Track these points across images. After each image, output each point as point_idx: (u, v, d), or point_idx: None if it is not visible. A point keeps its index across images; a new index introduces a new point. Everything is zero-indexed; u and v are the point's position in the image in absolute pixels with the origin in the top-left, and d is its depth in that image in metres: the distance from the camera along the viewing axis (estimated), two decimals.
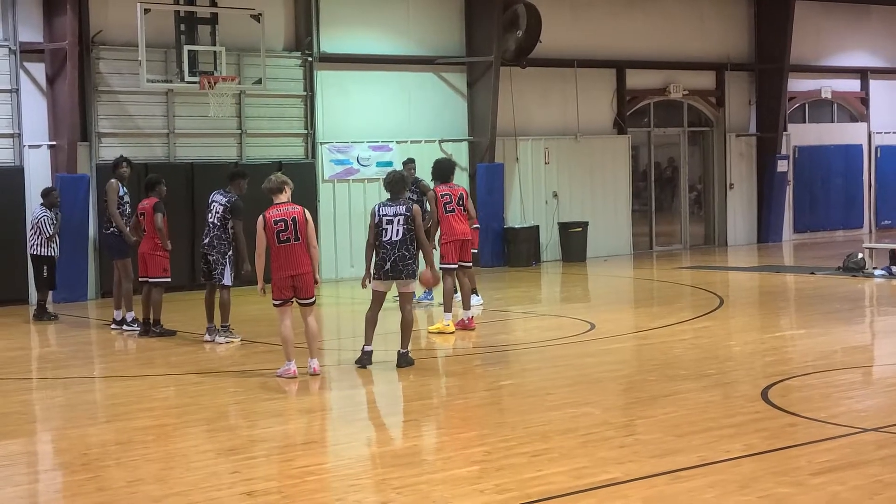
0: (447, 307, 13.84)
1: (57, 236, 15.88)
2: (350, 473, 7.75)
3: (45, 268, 15.87)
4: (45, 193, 16.01)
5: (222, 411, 9.84)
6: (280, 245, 10.92)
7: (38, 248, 15.81)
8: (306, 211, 11.18)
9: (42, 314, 15.84)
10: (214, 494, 7.21)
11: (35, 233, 15.83)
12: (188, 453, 8.39)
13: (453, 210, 14.01)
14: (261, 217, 11.07)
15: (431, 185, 14.93)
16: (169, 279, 14.09)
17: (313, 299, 11.19)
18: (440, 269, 14.03)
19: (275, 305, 11.12)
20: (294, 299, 11.09)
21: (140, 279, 14.09)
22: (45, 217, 15.72)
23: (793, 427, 8.65)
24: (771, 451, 7.84)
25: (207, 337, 13.46)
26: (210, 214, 13.41)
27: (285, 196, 11.15)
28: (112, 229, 14.73)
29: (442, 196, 14.05)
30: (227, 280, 13.35)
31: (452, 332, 13.64)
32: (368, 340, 11.51)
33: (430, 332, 13.81)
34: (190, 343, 13.59)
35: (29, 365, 13.12)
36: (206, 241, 13.42)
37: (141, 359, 12.88)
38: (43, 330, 15.31)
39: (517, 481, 7.25)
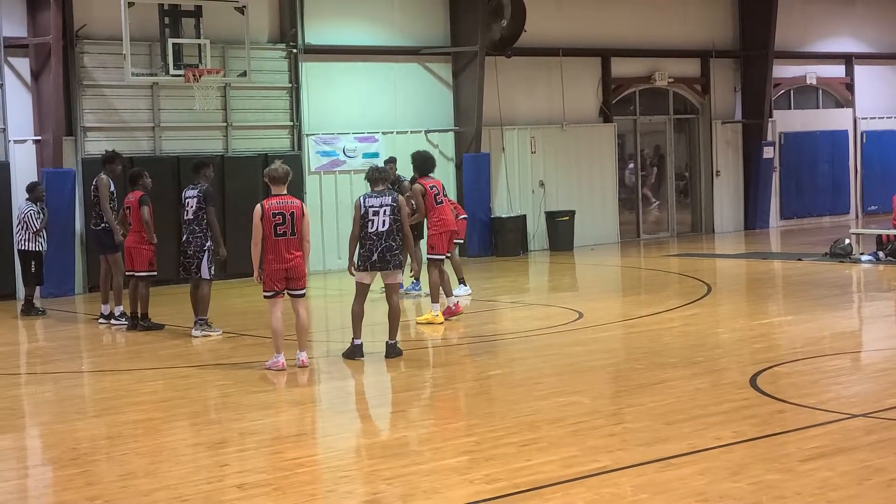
0: (434, 297, 13.83)
1: (44, 231, 15.83)
2: (340, 465, 7.75)
3: (33, 263, 15.82)
4: (31, 188, 15.96)
5: (211, 404, 9.83)
6: (276, 238, 10.87)
7: (26, 243, 15.76)
8: (305, 205, 11.16)
9: (29, 309, 15.79)
10: (205, 487, 7.20)
11: (22, 228, 15.78)
12: (178, 447, 8.38)
13: (442, 202, 14.02)
14: (258, 206, 10.97)
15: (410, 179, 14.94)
16: (155, 273, 14.07)
17: (305, 291, 11.19)
18: (428, 259, 14.06)
19: (265, 297, 11.10)
20: (286, 291, 11.08)
21: (126, 273, 14.08)
22: (32, 211, 15.68)
23: (782, 413, 8.68)
24: (760, 438, 7.86)
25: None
26: (185, 212, 13.43)
27: (286, 187, 11.07)
28: (103, 224, 14.68)
29: (431, 188, 14.03)
30: (205, 273, 13.30)
31: (441, 323, 13.63)
32: (357, 334, 11.50)
33: (418, 323, 13.81)
34: (178, 337, 13.56)
35: (17, 360, 13.08)
36: (184, 238, 13.44)
37: (129, 353, 12.85)
38: (31, 325, 15.27)
39: (506, 471, 7.26)
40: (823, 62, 27.72)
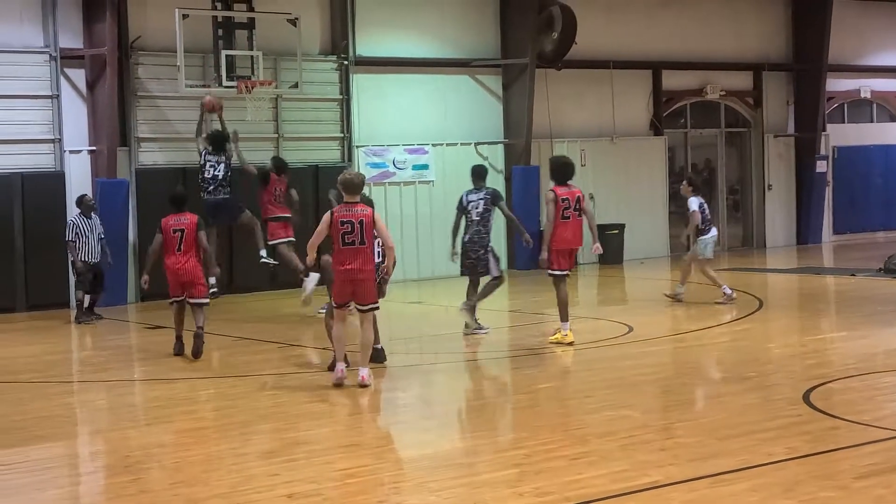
0: (563, 316, 12.90)
1: (78, 241, 16.07)
2: (390, 476, 7.75)
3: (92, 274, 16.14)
4: (78, 201, 16.38)
5: (262, 414, 9.87)
6: (344, 247, 10.54)
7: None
8: (376, 213, 10.70)
9: (88, 315, 16.07)
10: (255, 497, 7.23)
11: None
12: (228, 455, 8.43)
13: (569, 217, 12.84)
14: (328, 214, 10.63)
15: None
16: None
17: (373, 305, 10.75)
18: (550, 274, 12.96)
19: (332, 307, 10.90)
20: (355, 306, 10.77)
21: (175, 299, 12.80)
22: (70, 223, 16.14)
23: (835, 430, 8.57)
24: (814, 455, 7.78)
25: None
26: (469, 214, 13.57)
27: (359, 196, 10.69)
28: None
29: (562, 200, 12.80)
30: (494, 271, 13.60)
31: (571, 343, 12.70)
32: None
33: (549, 342, 12.87)
34: (228, 346, 13.64)
35: (70, 368, 13.24)
36: (467, 237, 13.57)
37: (181, 362, 12.92)
38: (84, 333, 15.43)
39: (557, 484, 7.23)
40: (878, 76, 27.45)
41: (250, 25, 18.39)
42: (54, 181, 17.78)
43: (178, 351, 12.82)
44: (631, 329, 13.96)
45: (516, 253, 21.67)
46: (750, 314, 15.08)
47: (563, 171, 12.96)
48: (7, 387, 11.51)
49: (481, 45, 21.90)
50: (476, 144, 21.76)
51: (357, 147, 20.44)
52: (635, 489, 7.08)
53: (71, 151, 18.06)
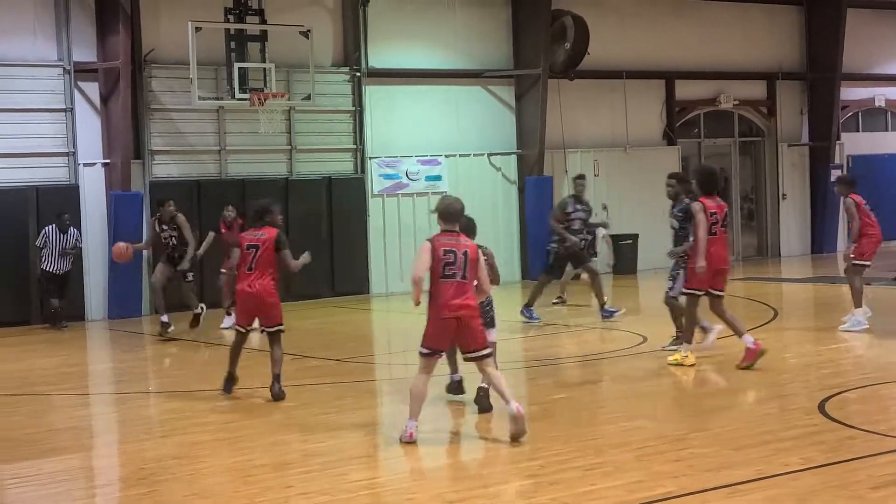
0: (687, 338, 12.06)
1: (44, 250, 16.89)
2: (404, 487, 7.75)
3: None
4: (56, 216, 16.99)
5: (276, 425, 9.87)
6: (444, 280, 8.88)
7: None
8: (480, 247, 9.24)
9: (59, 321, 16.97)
10: None
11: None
12: (243, 467, 8.42)
13: (716, 233, 11.71)
14: (428, 242, 9.02)
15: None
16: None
17: (486, 351, 9.01)
18: (683, 292, 12.13)
19: (421, 354, 8.96)
20: (464, 355, 9.15)
21: (239, 328, 11.27)
22: (43, 231, 16.90)
23: (851, 440, 8.53)
24: (829, 465, 7.74)
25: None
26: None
27: (458, 224, 9.16)
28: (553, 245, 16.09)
29: (711, 214, 11.67)
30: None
31: (692, 365, 11.79)
32: (454, 369, 10.43)
33: (669, 364, 12.05)
34: (242, 358, 13.63)
35: (85, 380, 13.27)
36: None
37: (195, 374, 12.96)
38: (98, 346, 15.47)
39: (571, 495, 7.22)
40: (892, 84, 27.38)
41: (263, 38, 18.46)
42: (69, 194, 17.84)
43: (228, 389, 11.27)
44: (645, 339, 13.94)
45: (531, 262, 21.67)
46: (765, 324, 15.03)
47: (710, 181, 11.92)
48: (22, 399, 11.55)
49: (494, 56, 21.92)
50: (489, 155, 21.77)
51: (370, 158, 20.47)
52: (650, 500, 7.06)
53: (85, 164, 18.13)
